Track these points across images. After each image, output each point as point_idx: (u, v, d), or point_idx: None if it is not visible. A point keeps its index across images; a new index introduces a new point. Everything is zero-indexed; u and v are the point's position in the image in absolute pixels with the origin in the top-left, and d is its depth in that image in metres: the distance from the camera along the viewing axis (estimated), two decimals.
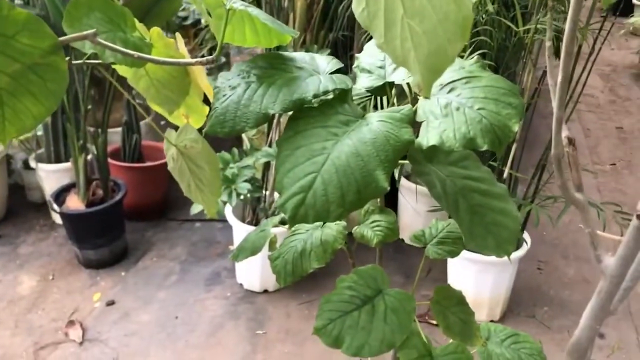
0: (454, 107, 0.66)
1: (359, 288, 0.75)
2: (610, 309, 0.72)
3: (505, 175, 2.08)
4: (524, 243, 2.23)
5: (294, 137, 0.68)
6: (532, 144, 2.47)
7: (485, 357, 0.89)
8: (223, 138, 2.87)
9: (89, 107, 2.63)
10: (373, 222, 0.82)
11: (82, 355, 2.20)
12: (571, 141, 0.65)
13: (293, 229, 0.84)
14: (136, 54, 0.71)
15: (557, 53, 2.97)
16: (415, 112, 0.69)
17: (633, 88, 4.74)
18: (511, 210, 0.75)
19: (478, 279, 2.22)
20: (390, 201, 2.90)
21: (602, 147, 3.91)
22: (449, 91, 0.68)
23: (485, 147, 0.63)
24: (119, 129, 2.95)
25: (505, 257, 2.05)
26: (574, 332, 2.28)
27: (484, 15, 1.91)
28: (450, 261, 2.31)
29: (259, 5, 2.47)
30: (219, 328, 2.33)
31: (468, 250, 0.73)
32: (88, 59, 0.86)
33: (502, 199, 0.75)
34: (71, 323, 2.34)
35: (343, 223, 0.83)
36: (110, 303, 2.46)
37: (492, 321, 2.35)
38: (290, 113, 0.71)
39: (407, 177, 2.71)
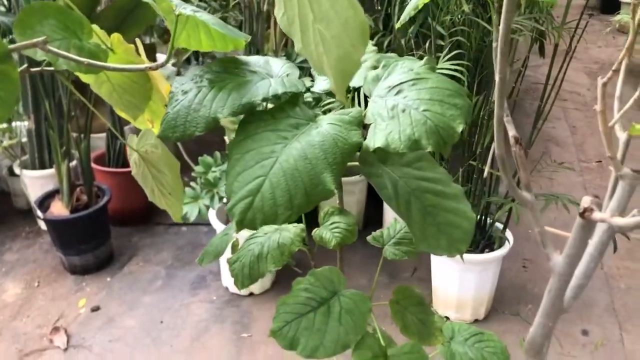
0: (400, 109, 0.66)
1: (315, 290, 0.75)
2: (564, 306, 0.72)
3: (485, 174, 2.08)
4: (507, 242, 2.24)
5: (244, 141, 0.69)
6: (519, 124, 2.48)
7: (449, 357, 0.89)
8: (208, 142, 2.87)
9: (73, 113, 2.63)
10: (332, 223, 0.82)
11: None
12: (517, 140, 0.65)
13: (253, 233, 0.85)
14: (86, 60, 0.71)
15: (541, 51, 2.98)
16: (365, 114, 0.70)
17: (627, 89, 4.75)
18: (465, 211, 0.75)
19: (462, 278, 2.23)
20: (376, 200, 2.91)
21: (589, 144, 3.93)
22: (397, 93, 0.68)
23: (429, 149, 0.64)
24: (104, 135, 2.94)
25: (487, 256, 2.05)
26: (558, 329, 2.28)
27: (460, 16, 1.91)
28: (434, 261, 2.32)
29: (239, 9, 2.48)
30: (204, 332, 2.33)
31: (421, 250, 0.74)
32: (48, 65, 0.87)
33: (456, 199, 0.76)
34: (56, 329, 2.34)
35: (301, 226, 0.83)
36: (96, 309, 2.45)
37: (476, 320, 2.36)
38: (241, 117, 0.71)
39: None
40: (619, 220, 0.56)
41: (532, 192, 0.68)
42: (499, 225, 2.30)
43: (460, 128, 0.64)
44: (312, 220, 0.87)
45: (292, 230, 0.81)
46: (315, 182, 0.64)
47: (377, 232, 0.86)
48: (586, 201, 0.60)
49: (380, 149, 0.74)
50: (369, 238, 0.87)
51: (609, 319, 2.38)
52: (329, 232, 0.81)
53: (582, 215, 0.60)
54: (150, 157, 0.89)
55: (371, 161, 0.73)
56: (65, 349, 2.25)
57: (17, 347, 2.26)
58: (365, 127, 0.70)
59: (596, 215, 0.58)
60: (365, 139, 0.68)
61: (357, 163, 0.72)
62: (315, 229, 0.84)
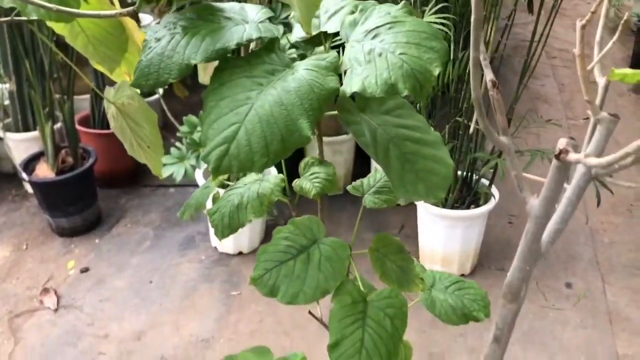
0: (377, 53, 0.65)
1: (295, 238, 0.75)
2: (542, 250, 0.73)
3: (471, 130, 2.09)
4: (492, 198, 2.25)
5: (219, 88, 0.68)
6: (504, 98, 2.47)
7: (429, 303, 0.91)
8: (193, 104, 2.84)
9: (55, 74, 2.59)
10: (312, 174, 0.82)
11: (57, 321, 2.21)
12: (495, 84, 0.65)
13: (233, 184, 0.84)
14: (55, 7, 0.69)
15: (529, 7, 2.94)
16: (341, 59, 0.69)
17: (608, 42, 4.73)
18: (443, 157, 0.75)
19: (448, 234, 2.25)
20: (364, 159, 2.91)
21: (576, 101, 3.93)
22: (373, 37, 0.67)
23: (406, 93, 0.63)
24: (88, 96, 2.90)
25: (473, 211, 2.06)
26: (542, 282, 2.32)
27: None
28: (420, 217, 2.33)
29: None
30: (193, 291, 2.35)
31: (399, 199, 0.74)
32: (18, 15, 0.84)
33: (434, 147, 0.76)
34: (46, 291, 2.35)
35: (281, 176, 0.83)
36: (85, 270, 2.46)
37: (462, 275, 2.39)
38: (216, 64, 0.70)
39: None
40: (593, 160, 0.56)
41: (508, 136, 0.68)
42: (485, 182, 2.31)
43: (437, 71, 0.64)
44: (294, 172, 0.87)
45: (271, 181, 0.81)
46: (292, 129, 0.64)
47: (357, 182, 0.86)
48: (562, 143, 0.60)
49: (360, 96, 0.74)
50: (348, 187, 0.87)
51: (592, 272, 2.42)
52: (308, 182, 0.81)
53: (557, 156, 0.60)
54: (128, 110, 0.88)
55: (349, 108, 0.72)
56: (56, 310, 2.26)
57: (7, 308, 2.27)
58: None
59: (571, 156, 0.59)
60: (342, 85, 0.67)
61: (335, 112, 0.71)
62: (296, 179, 0.84)
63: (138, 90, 0.82)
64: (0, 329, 2.17)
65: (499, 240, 2.58)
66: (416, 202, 2.30)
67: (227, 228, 0.79)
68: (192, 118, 2.31)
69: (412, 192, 0.71)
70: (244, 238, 2.51)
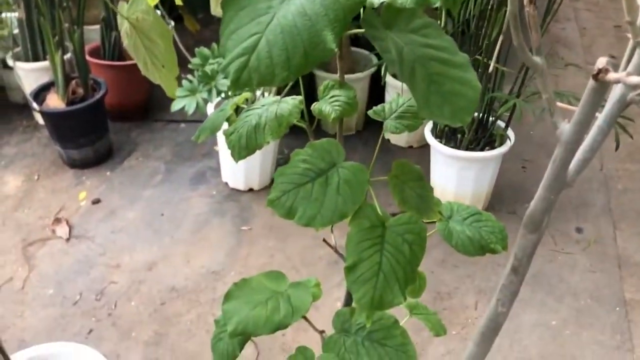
0: None
1: (313, 161, 0.73)
2: (567, 180, 0.71)
3: (490, 69, 2.02)
4: (508, 140, 2.22)
5: None
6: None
7: (446, 234, 0.89)
8: (205, 38, 2.77)
9: (65, 3, 2.52)
10: (332, 97, 0.79)
11: (69, 250, 2.24)
12: (532, 0, 0.61)
13: (250, 106, 0.82)
14: None
15: None
16: None
17: None
18: (470, 80, 0.72)
19: (460, 175, 2.23)
20: (377, 100, 2.86)
21: (597, 46, 3.82)
22: None
23: (438, 3, 0.59)
24: (98, 26, 2.84)
25: (488, 153, 2.03)
26: (552, 226, 2.31)
27: None
28: (434, 158, 2.31)
29: None
30: (204, 224, 2.36)
31: (424, 118, 0.72)
32: None
33: (462, 68, 0.72)
34: (58, 221, 2.37)
35: (300, 98, 0.80)
36: (96, 201, 2.47)
37: None
38: None
39: (394, 76, 2.65)
40: (635, 79, 0.53)
41: (542, 56, 0.64)
42: (501, 124, 2.27)
43: None
44: (312, 98, 0.84)
45: (290, 102, 0.78)
46: (315, 41, 0.61)
47: (379, 107, 0.83)
48: (602, 62, 0.57)
49: (386, 11, 0.70)
50: (370, 112, 0.84)
51: (603, 219, 2.41)
52: (328, 105, 0.78)
53: (595, 77, 0.57)
54: (142, 26, 0.85)
55: (375, 24, 0.69)
56: (68, 239, 2.29)
57: (20, 236, 2.30)
58: None
59: (611, 75, 0.55)
60: None
61: (360, 30, 0.68)
62: (315, 102, 0.81)
63: (152, 4, 0.78)
64: (14, 257, 2.21)
65: (511, 184, 2.56)
66: (429, 143, 2.27)
67: (244, 149, 0.77)
68: (204, 50, 2.26)
69: (438, 114, 0.69)
70: (255, 175, 2.51)
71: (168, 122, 2.98)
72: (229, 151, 0.79)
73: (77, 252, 2.23)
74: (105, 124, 2.66)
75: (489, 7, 1.99)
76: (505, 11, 1.96)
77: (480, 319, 2.02)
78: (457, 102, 0.70)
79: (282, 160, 2.68)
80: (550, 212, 0.75)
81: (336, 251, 0.96)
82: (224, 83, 2.19)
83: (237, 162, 0.79)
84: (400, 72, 0.67)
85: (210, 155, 2.75)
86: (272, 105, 0.79)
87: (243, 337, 0.87)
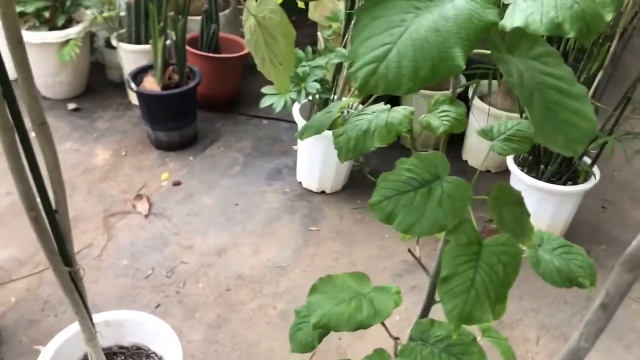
0: None
1: (418, 171, 0.76)
2: None
3: None
4: (593, 177, 2.16)
5: (374, 7, 0.67)
6: (620, 80, 2.33)
7: (535, 262, 0.90)
8: (299, 40, 2.85)
9: None
10: (442, 112, 0.81)
11: (147, 226, 2.35)
12: None
13: (359, 111, 0.85)
14: None
15: None
16: None
17: None
18: (587, 113, 0.72)
19: (539, 207, 2.19)
20: None
21: None
22: None
23: (572, 35, 0.61)
24: (199, 18, 2.97)
25: (570, 188, 1.99)
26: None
27: None
28: (514, 186, 2.27)
29: None
30: (275, 220, 2.42)
31: (537, 142, 0.73)
32: None
33: (580, 100, 0.73)
34: (139, 197, 2.49)
35: (411, 109, 0.82)
36: (177, 184, 2.58)
37: None
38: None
39: (481, 99, 2.63)
40: None
41: None
42: (587, 161, 2.22)
43: (609, 17, 0.61)
44: None
45: (401, 112, 0.81)
46: (445, 57, 0.63)
47: (487, 127, 0.85)
48: None
49: (511, 37, 0.72)
50: (478, 131, 0.86)
51: None
52: (437, 119, 0.80)
53: None
54: (268, 24, 0.90)
55: (500, 48, 0.70)
56: (147, 216, 2.40)
57: (103, 207, 2.43)
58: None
59: None
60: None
61: (485, 51, 0.70)
62: (423, 115, 0.83)
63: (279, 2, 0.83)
64: (95, 225, 2.33)
65: (588, 224, 2.48)
66: (511, 170, 2.24)
67: (352, 151, 0.80)
68: (298, 52, 2.32)
69: (551, 142, 0.70)
70: (329, 179, 2.55)
71: (252, 118, 3.07)
72: (336, 152, 0.82)
73: (153, 229, 2.33)
74: (194, 111, 2.78)
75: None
76: (609, 47, 1.92)
77: (541, 355, 1.96)
78: (571, 132, 0.71)
79: (357, 168, 2.72)
80: None
81: (420, 263, 0.98)
82: (313, 86, 2.25)
83: (342, 162, 0.82)
84: (520, 95, 0.69)
85: (288, 153, 2.82)
86: (383, 114, 0.82)
87: (323, 330, 0.90)
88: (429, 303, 0.96)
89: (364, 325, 0.82)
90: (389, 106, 0.84)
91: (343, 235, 2.38)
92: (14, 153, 0.98)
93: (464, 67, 0.63)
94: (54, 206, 1.16)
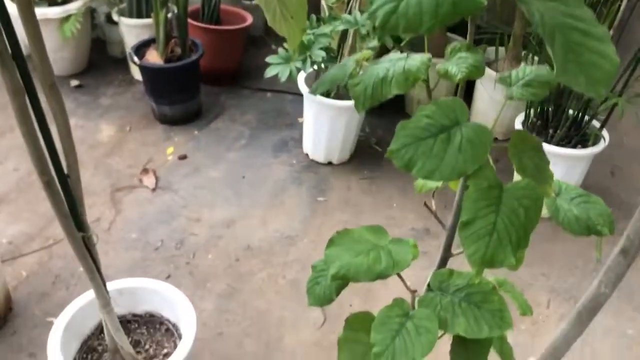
0: None
1: (436, 117, 0.75)
2: None
3: None
4: (602, 140, 2.15)
5: None
6: (628, 44, 2.29)
7: (553, 210, 0.89)
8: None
9: None
10: (459, 58, 0.80)
11: (154, 200, 2.34)
12: None
13: (375, 60, 0.84)
14: None
15: None
16: None
17: None
18: (609, 53, 0.71)
19: None
20: (467, 90, 2.82)
21: None
22: None
23: None
24: None
25: (579, 151, 1.97)
26: None
27: None
28: None
29: None
30: (282, 191, 2.42)
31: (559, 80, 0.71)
32: None
33: (601, 41, 0.72)
34: (145, 171, 2.48)
35: (428, 55, 0.81)
36: (183, 157, 2.57)
37: (550, 218, 2.33)
38: None
39: (488, 65, 2.61)
40: None
41: None
42: (596, 124, 2.20)
43: None
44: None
45: (418, 59, 0.79)
46: None
47: (505, 73, 0.83)
48: None
49: None
50: (496, 78, 0.84)
51: None
52: (455, 66, 0.79)
53: None
54: None
55: None
56: (154, 189, 2.40)
57: (110, 181, 2.43)
58: None
59: None
60: None
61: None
62: (440, 63, 0.82)
63: None
64: (103, 199, 2.33)
65: (597, 188, 2.47)
66: None
67: (369, 99, 0.79)
68: None
69: (574, 82, 0.68)
70: (336, 149, 2.54)
71: (256, 91, 3.05)
72: (353, 101, 0.81)
73: (161, 203, 2.33)
74: (197, 84, 2.76)
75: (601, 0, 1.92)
76: (619, 6, 1.90)
77: (552, 318, 1.97)
78: (594, 73, 0.69)
79: (363, 137, 2.70)
80: None
81: (436, 217, 0.97)
82: (318, 54, 2.23)
83: (359, 111, 0.81)
84: (542, 35, 0.68)
85: (293, 125, 2.80)
86: (400, 61, 0.80)
87: (341, 282, 0.90)
88: (446, 256, 0.96)
89: (382, 275, 0.82)
90: (405, 54, 0.83)
91: (351, 205, 2.38)
92: (25, 116, 0.97)
93: (485, 3, 0.62)
94: (65, 170, 1.16)
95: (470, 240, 0.71)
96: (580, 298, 2.13)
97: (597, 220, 0.88)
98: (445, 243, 0.94)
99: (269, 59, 2.30)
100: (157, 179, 2.45)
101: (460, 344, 0.85)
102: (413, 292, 0.92)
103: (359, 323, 0.89)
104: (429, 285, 0.88)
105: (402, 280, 0.92)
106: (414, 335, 0.79)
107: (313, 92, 0.94)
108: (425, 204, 0.98)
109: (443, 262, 0.93)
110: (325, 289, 0.91)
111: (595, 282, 0.84)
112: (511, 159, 0.78)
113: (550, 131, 2.18)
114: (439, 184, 0.99)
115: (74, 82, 2.99)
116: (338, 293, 0.91)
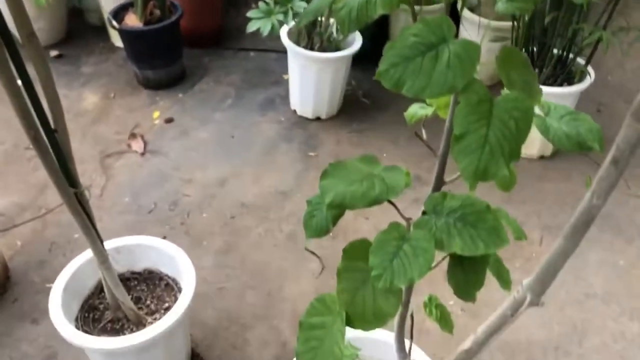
0: None
1: (423, 35, 0.74)
2: None
3: None
4: (587, 76, 2.15)
5: None
6: None
7: (543, 128, 0.89)
8: None
9: None
10: None
11: (144, 164, 2.34)
12: None
13: None
14: None
15: None
16: None
17: None
18: None
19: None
20: None
21: None
22: None
23: None
24: None
25: (565, 89, 1.97)
26: (626, 171, 2.27)
27: None
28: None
29: None
30: (273, 148, 2.42)
31: None
32: None
33: None
34: (133, 136, 2.47)
35: None
36: (169, 121, 2.56)
37: (542, 157, 2.36)
38: None
39: (472, 10, 2.59)
40: None
41: None
42: (581, 62, 2.20)
43: None
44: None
45: None
46: None
47: None
48: None
49: None
50: None
51: None
52: None
53: None
54: None
55: None
56: (143, 154, 2.38)
57: (99, 148, 2.41)
58: None
59: None
60: None
61: None
62: None
63: None
64: (93, 166, 2.32)
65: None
66: None
67: (355, 22, 0.78)
68: None
69: None
70: (323, 104, 2.53)
71: (238, 51, 3.01)
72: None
73: (151, 166, 2.32)
74: (179, 46, 2.72)
75: None
76: None
77: (545, 254, 2.02)
78: None
79: (350, 91, 2.69)
80: None
81: (427, 145, 0.98)
82: (300, 5, 2.20)
83: (345, 34, 0.81)
84: None
85: (279, 83, 2.78)
86: None
87: (337, 212, 0.90)
88: (439, 184, 0.96)
89: (377, 201, 0.83)
90: None
91: (342, 157, 2.37)
92: (4, 65, 0.96)
93: None
94: (52, 125, 1.14)
95: (463, 154, 0.71)
96: None
97: (587, 136, 0.89)
98: (437, 170, 0.95)
99: (250, 14, 2.27)
100: (145, 143, 2.44)
101: (457, 264, 0.87)
102: (408, 219, 0.93)
103: (356, 251, 0.90)
104: (424, 211, 0.89)
105: (397, 208, 0.93)
106: (411, 256, 0.80)
107: (298, 24, 0.92)
108: (416, 133, 0.99)
109: (438, 184, 0.94)
110: (321, 220, 0.91)
111: (588, 194, 0.85)
112: (500, 75, 0.78)
113: (536, 70, 2.18)
114: (429, 112, 0.99)
115: (54, 52, 2.94)
116: (335, 223, 0.91)
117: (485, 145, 0.71)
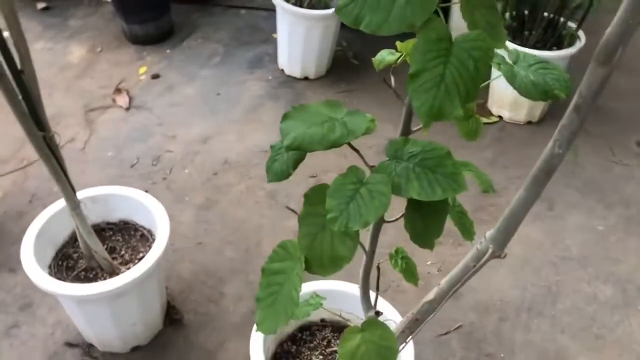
0: None
1: None
2: None
3: None
4: (578, 40, 2.12)
5: None
6: None
7: (509, 76, 0.88)
8: None
9: None
10: None
11: (129, 119, 2.32)
12: None
13: None
14: None
15: None
16: None
17: None
18: None
19: None
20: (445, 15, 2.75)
21: None
22: None
23: None
24: None
25: (555, 53, 1.94)
26: (612, 139, 2.26)
27: None
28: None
29: None
30: (258, 106, 2.39)
31: None
32: None
33: None
34: (118, 91, 2.44)
35: None
36: (156, 76, 2.53)
37: (530, 122, 2.34)
38: None
39: None
40: None
41: None
42: (572, 25, 2.17)
43: None
44: None
45: None
46: None
47: None
48: None
49: None
50: None
51: None
52: None
53: None
54: None
55: None
56: (128, 109, 2.36)
57: (83, 102, 2.39)
58: None
59: None
60: None
61: None
62: None
63: None
64: (76, 120, 2.30)
65: (575, 90, 2.46)
66: None
67: None
68: None
69: None
70: (311, 63, 2.50)
71: (228, 8, 2.96)
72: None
73: (135, 121, 2.30)
74: (166, 1, 2.67)
75: None
76: None
77: (527, 218, 2.00)
78: None
79: (339, 52, 2.66)
80: (626, 42, 0.72)
81: (395, 92, 0.96)
82: None
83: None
84: None
85: (268, 42, 2.74)
86: None
87: (297, 156, 0.89)
88: (405, 132, 0.95)
89: (336, 144, 0.82)
90: None
91: None
92: None
93: None
94: (19, 66, 1.12)
95: (418, 93, 0.70)
96: (555, 200, 2.16)
97: (554, 84, 0.88)
98: (404, 118, 0.93)
99: None
100: (130, 98, 2.41)
101: (415, 210, 0.86)
102: (371, 167, 0.92)
103: (317, 196, 0.89)
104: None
105: (360, 155, 0.92)
106: (367, 199, 0.80)
107: None
108: (384, 79, 0.97)
109: (405, 130, 0.92)
110: (282, 164, 0.91)
111: (550, 142, 0.84)
112: (463, 15, 0.76)
113: (526, 33, 2.14)
114: (397, 58, 0.97)
115: (41, 5, 2.89)
116: (295, 167, 0.90)
117: (441, 84, 0.70)
